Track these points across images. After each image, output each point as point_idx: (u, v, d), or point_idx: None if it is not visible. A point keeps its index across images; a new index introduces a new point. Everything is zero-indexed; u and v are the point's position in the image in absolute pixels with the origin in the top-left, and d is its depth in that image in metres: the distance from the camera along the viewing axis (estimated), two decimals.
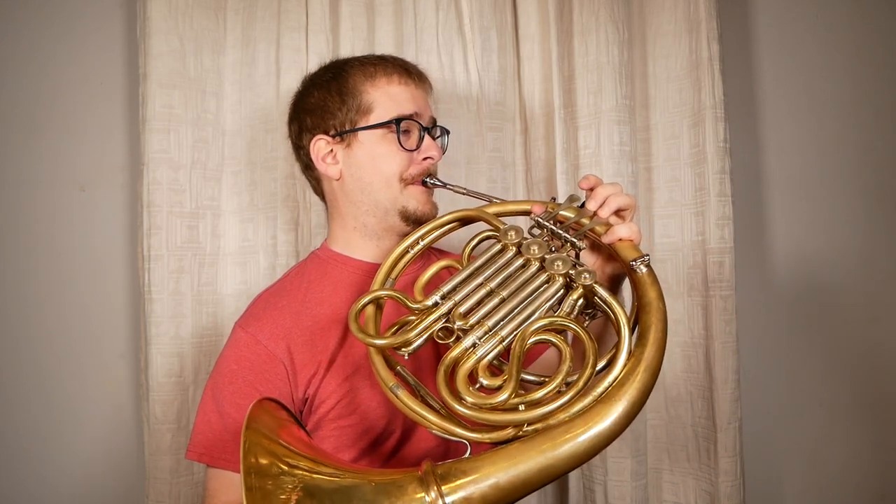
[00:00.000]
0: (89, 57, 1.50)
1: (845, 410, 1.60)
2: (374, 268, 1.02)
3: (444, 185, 1.04)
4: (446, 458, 0.93)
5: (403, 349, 0.80)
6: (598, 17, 1.44)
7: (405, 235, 0.99)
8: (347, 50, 1.42)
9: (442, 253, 1.16)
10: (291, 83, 1.39)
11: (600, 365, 0.76)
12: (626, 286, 0.94)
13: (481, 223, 0.96)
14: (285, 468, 0.67)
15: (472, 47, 1.49)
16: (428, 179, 1.04)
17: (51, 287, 1.46)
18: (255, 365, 0.95)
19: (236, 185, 1.45)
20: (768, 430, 1.64)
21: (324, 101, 1.04)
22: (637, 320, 0.80)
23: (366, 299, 0.84)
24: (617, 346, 0.75)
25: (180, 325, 1.37)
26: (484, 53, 1.49)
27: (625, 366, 0.73)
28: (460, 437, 0.74)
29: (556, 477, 0.71)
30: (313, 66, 1.38)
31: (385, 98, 1.02)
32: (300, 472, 0.68)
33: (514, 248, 0.86)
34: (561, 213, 0.91)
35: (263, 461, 0.66)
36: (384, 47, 1.45)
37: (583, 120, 1.47)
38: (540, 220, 0.90)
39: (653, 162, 1.52)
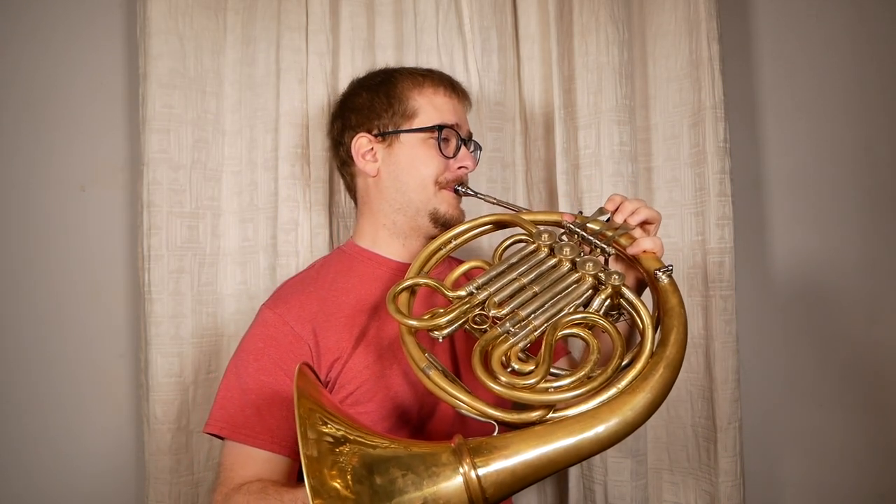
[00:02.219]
0: (89, 57, 1.50)
1: (845, 410, 1.60)
2: (400, 266, 1.09)
3: (476, 195, 1.10)
4: None
5: (437, 332, 0.83)
6: (598, 17, 1.44)
7: (430, 238, 1.06)
8: (347, 50, 1.42)
9: (460, 263, 1.18)
10: (291, 83, 1.40)
11: (624, 362, 0.80)
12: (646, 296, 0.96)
13: (509, 230, 1.02)
14: (336, 435, 0.72)
15: (472, 47, 1.49)
16: (459, 187, 1.10)
17: (50, 287, 1.46)
18: (281, 344, 0.98)
19: (236, 185, 1.45)
20: (768, 430, 1.64)
21: (371, 102, 1.10)
22: (658, 324, 0.85)
23: (405, 284, 0.89)
24: (640, 345, 0.80)
25: (180, 325, 1.37)
26: (484, 53, 1.49)
27: (647, 363, 0.78)
28: (490, 417, 0.77)
29: (580, 459, 0.75)
30: (313, 66, 1.40)
31: (430, 106, 1.09)
32: (346, 434, 0.73)
33: (547, 249, 0.92)
34: (589, 225, 0.97)
35: (315, 427, 0.71)
36: (384, 47, 1.45)
37: (583, 120, 1.47)
38: (571, 226, 0.96)
39: (653, 162, 1.52)
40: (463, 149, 1.10)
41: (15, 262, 1.45)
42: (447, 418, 1.03)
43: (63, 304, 1.47)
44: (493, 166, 1.50)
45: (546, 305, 0.85)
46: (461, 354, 1.06)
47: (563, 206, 1.44)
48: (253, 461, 0.95)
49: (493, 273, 0.89)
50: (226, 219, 1.45)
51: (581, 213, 1.02)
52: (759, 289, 1.65)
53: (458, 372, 1.06)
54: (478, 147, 1.18)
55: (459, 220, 1.10)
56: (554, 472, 0.74)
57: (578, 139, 1.47)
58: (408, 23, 1.49)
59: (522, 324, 0.82)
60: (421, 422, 1.01)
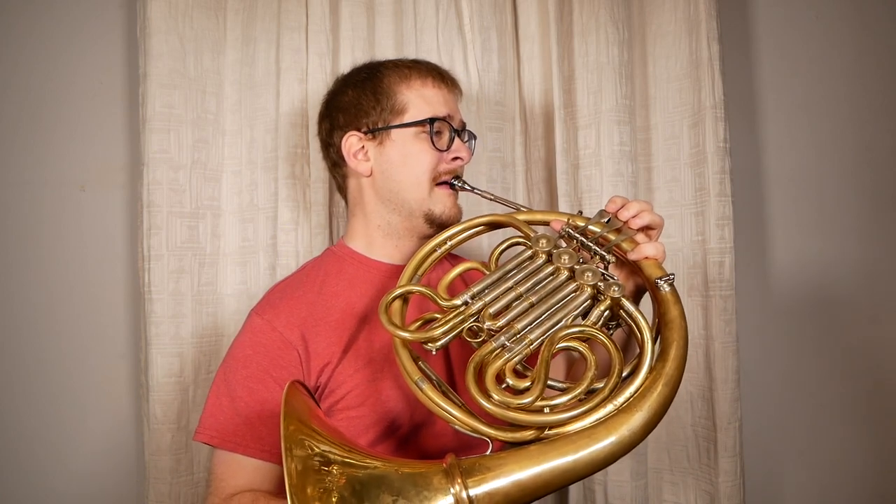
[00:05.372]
0: (89, 57, 1.50)
1: (845, 410, 1.60)
2: (390, 268, 1.06)
3: (472, 190, 1.07)
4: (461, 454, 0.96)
5: (430, 344, 0.82)
6: (598, 18, 1.44)
7: (425, 237, 1.04)
8: (347, 50, 1.42)
9: (458, 259, 1.18)
10: (291, 83, 1.40)
11: (623, 374, 0.78)
12: (645, 300, 0.95)
13: (507, 230, 0.99)
14: (323, 455, 0.70)
15: (472, 47, 1.49)
16: (455, 182, 1.07)
17: (51, 287, 1.46)
18: (269, 350, 0.97)
19: (236, 185, 1.45)
20: (768, 430, 1.64)
21: (357, 100, 1.07)
22: (658, 334, 0.82)
23: (397, 292, 0.87)
24: (639, 359, 0.78)
25: (180, 325, 1.37)
26: (484, 53, 1.49)
27: (646, 379, 0.76)
28: (483, 434, 0.75)
29: (575, 480, 0.73)
30: (313, 66, 1.40)
31: (419, 99, 1.05)
32: (333, 455, 0.71)
33: (545, 256, 0.89)
34: (590, 227, 0.93)
35: (301, 447, 0.69)
36: (384, 47, 1.45)
37: (583, 120, 1.47)
38: (570, 231, 0.92)
39: (653, 162, 1.52)
40: (457, 140, 1.06)
41: (15, 262, 1.45)
42: (441, 426, 1.00)
43: (63, 304, 1.47)
44: (493, 166, 1.50)
45: (542, 317, 0.82)
46: (456, 361, 1.04)
47: (563, 206, 1.44)
48: (243, 470, 0.94)
49: (488, 281, 0.86)
50: (226, 219, 1.45)
51: (581, 212, 0.98)
52: (759, 289, 1.65)
53: (452, 379, 1.04)
54: (472, 137, 1.15)
55: (456, 218, 1.07)
56: (550, 492, 0.72)
57: (578, 139, 1.47)
58: (408, 23, 1.49)
59: (518, 337, 0.79)
60: (414, 428, 0.99)
